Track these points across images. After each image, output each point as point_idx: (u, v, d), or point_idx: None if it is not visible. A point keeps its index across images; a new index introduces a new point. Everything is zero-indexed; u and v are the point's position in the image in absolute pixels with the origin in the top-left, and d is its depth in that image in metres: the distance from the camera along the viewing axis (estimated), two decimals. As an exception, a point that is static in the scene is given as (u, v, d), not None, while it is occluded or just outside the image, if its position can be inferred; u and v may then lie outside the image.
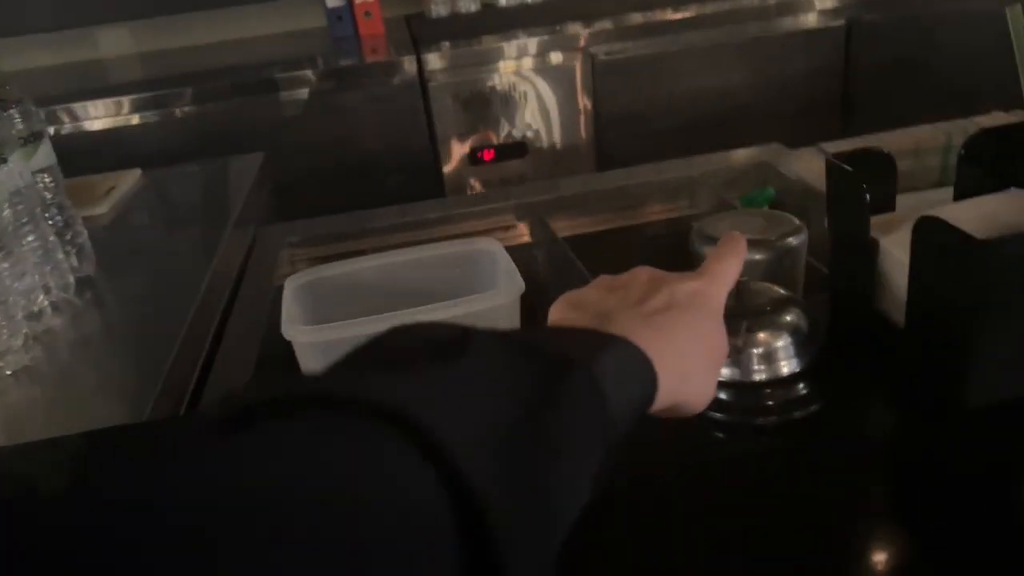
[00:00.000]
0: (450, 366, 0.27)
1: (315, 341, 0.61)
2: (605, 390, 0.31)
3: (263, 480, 0.21)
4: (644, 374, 0.34)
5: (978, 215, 0.55)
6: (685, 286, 0.40)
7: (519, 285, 0.64)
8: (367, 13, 2.05)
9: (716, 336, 0.40)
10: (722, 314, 0.41)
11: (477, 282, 0.70)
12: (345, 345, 0.61)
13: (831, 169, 0.55)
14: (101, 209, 1.10)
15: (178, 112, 1.83)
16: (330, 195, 1.86)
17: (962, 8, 1.93)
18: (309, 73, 1.83)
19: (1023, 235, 0.44)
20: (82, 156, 1.39)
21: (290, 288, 0.66)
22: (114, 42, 2.27)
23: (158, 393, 0.69)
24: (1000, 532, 0.43)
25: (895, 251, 0.52)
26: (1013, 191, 0.58)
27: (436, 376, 0.27)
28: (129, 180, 1.19)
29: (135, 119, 1.83)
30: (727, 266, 0.42)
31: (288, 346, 0.66)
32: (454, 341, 0.29)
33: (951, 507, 0.44)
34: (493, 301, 0.63)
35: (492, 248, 0.71)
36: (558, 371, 0.30)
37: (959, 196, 0.60)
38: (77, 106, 1.82)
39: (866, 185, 0.53)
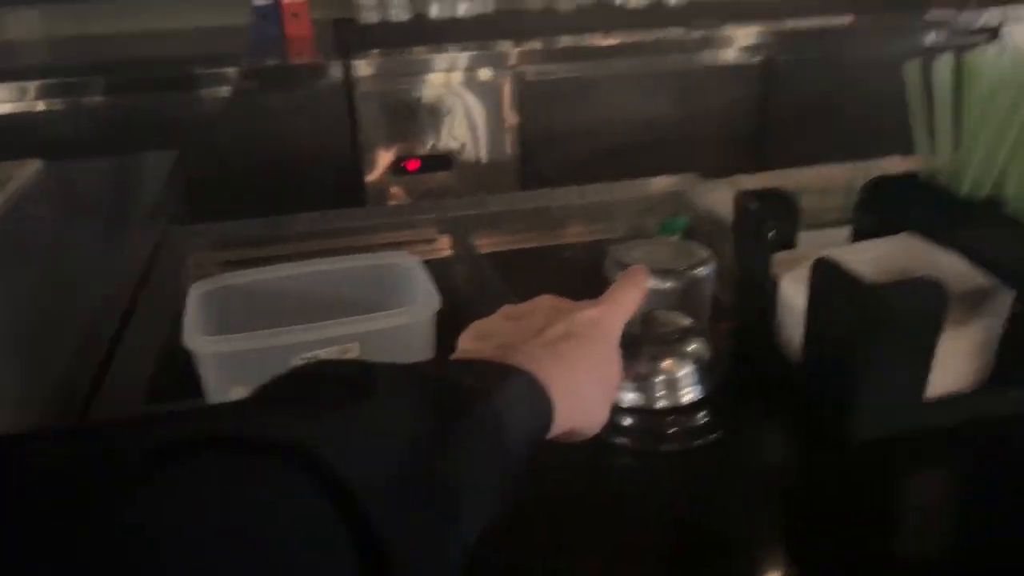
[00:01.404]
0: (354, 405, 0.28)
1: (218, 352, 0.59)
2: (504, 422, 0.31)
3: (168, 527, 0.21)
4: (542, 404, 0.36)
5: (872, 258, 0.58)
6: (584, 315, 0.42)
7: (435, 302, 0.64)
8: (295, 14, 2.01)
9: (611, 364, 0.42)
10: (618, 342, 0.43)
11: (393, 297, 0.69)
12: (250, 357, 0.60)
13: (738, 206, 0.58)
14: (-8, 201, 1.04)
15: (88, 102, 1.76)
16: (246, 198, 1.81)
17: (873, 55, 2.04)
18: (231, 71, 1.78)
19: (910, 281, 0.47)
20: (-21, 142, 1.32)
21: (195, 295, 0.64)
22: (23, 25, 2.16)
23: (47, 400, 0.65)
24: (881, 558, 0.45)
25: (794, 289, 0.54)
26: (905, 236, 0.61)
27: (341, 415, 0.27)
28: (27, 171, 1.13)
29: (40, 106, 1.75)
30: (627, 297, 0.44)
31: (189, 355, 0.64)
32: (359, 379, 0.29)
33: (837, 534, 0.46)
34: (409, 317, 0.63)
35: (409, 263, 0.70)
36: (461, 405, 0.30)
37: (856, 238, 0.63)
38: (-23, 88, 1.72)
39: (770, 223, 0.55)
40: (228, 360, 0.59)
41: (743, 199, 0.57)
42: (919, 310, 0.47)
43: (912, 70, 0.58)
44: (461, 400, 0.31)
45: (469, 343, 0.43)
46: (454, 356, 0.41)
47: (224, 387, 0.61)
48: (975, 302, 0.53)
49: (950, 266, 0.57)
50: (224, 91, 1.79)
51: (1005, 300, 0.51)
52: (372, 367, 0.31)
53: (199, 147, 1.76)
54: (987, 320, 0.51)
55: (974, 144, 0.57)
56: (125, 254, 0.92)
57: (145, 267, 0.97)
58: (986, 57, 0.58)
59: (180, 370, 0.77)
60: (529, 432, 0.35)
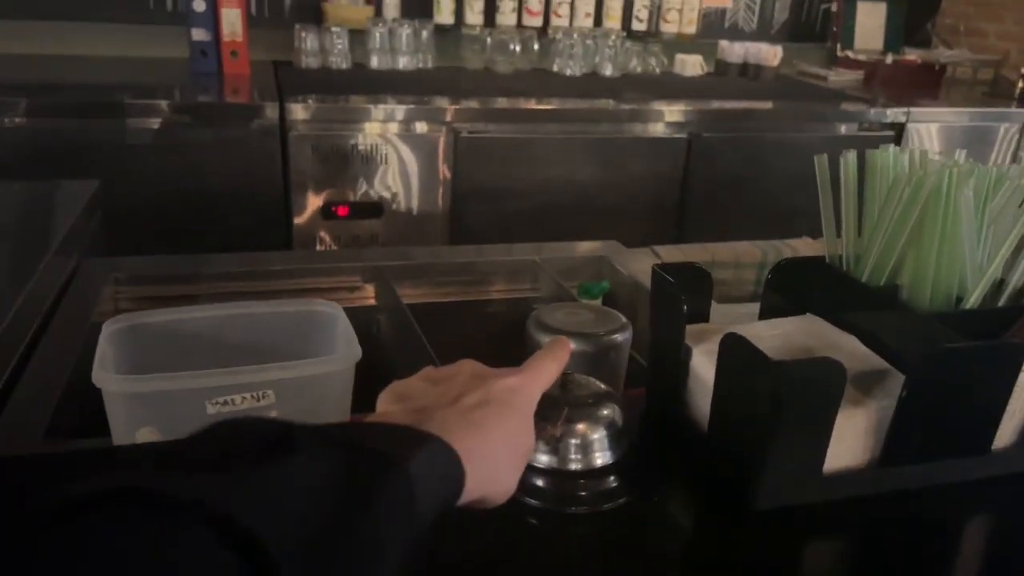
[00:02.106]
0: (272, 464, 0.28)
1: (128, 392, 0.57)
2: (417, 489, 0.32)
3: None
4: (453, 472, 0.36)
5: (777, 334, 0.61)
6: (502, 383, 0.43)
7: (356, 352, 0.64)
8: (234, 52, 2.01)
9: (524, 434, 0.43)
10: (533, 412, 0.44)
11: (313, 344, 0.69)
12: (161, 399, 0.58)
13: (656, 278, 0.60)
14: None
15: (7, 122, 1.70)
16: (171, 233, 1.77)
17: (791, 137, 2.17)
18: (162, 103, 1.76)
19: (812, 360, 0.50)
20: None
21: (107, 332, 0.62)
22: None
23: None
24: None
25: (704, 361, 0.57)
26: (809, 316, 0.65)
27: (258, 474, 0.27)
28: (-64, 190, 1.08)
29: (-43, 123, 1.68)
30: (547, 368, 0.46)
31: (96, 392, 0.62)
32: (279, 438, 0.30)
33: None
34: (328, 367, 0.63)
35: (332, 311, 0.70)
36: (375, 471, 0.31)
37: (764, 315, 0.66)
38: None
39: (684, 297, 0.58)
40: (138, 400, 0.58)
41: (660, 272, 0.60)
42: (819, 388, 0.50)
43: (821, 162, 0.63)
44: (378, 466, 0.31)
45: (387, 405, 0.43)
46: (371, 417, 0.42)
47: (132, 428, 0.59)
48: (870, 383, 0.56)
49: (848, 347, 0.60)
50: (154, 123, 1.76)
51: (896, 382, 0.55)
52: (292, 427, 0.31)
53: (125, 178, 1.73)
54: (880, 400, 0.54)
55: (874, 234, 0.62)
56: (34, 281, 0.88)
57: (55, 298, 0.94)
58: (886, 155, 0.63)
59: (86, 407, 0.74)
60: (439, 499, 0.35)
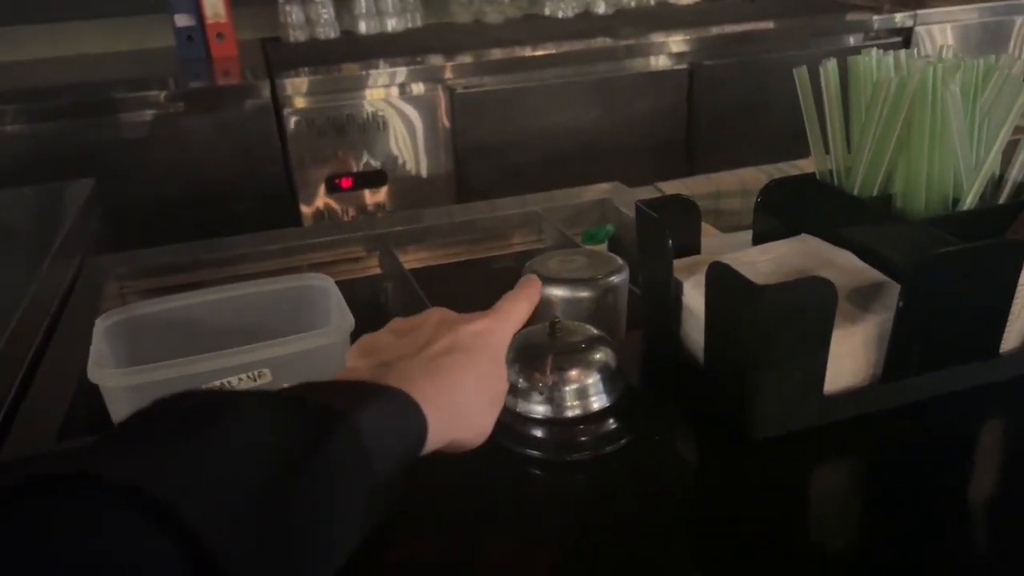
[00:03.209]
0: (202, 436, 0.28)
1: (124, 385, 0.58)
2: (368, 441, 0.32)
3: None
4: (413, 420, 0.36)
5: (771, 258, 0.60)
6: (471, 327, 0.42)
7: (349, 322, 0.64)
8: (220, 35, 1.99)
9: (495, 378, 0.43)
10: (504, 354, 0.43)
11: (307, 319, 0.68)
12: (158, 389, 0.58)
13: (640, 215, 0.59)
14: (-100, 236, 1.01)
15: (6, 129, 1.71)
16: (176, 224, 1.78)
17: (796, 56, 2.10)
18: (155, 94, 1.75)
19: (797, 282, 0.48)
20: None
21: (101, 327, 0.63)
22: (-67, 52, 2.09)
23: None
24: (788, 550, 0.46)
25: (695, 294, 0.56)
26: (803, 236, 0.63)
27: (186, 450, 0.27)
28: (-63, 204, 1.10)
29: (-48, 137, 1.69)
30: (516, 308, 0.45)
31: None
32: (213, 409, 0.29)
33: (744, 529, 0.48)
34: (322, 340, 0.63)
35: (324, 284, 0.70)
36: (318, 429, 0.30)
37: (757, 240, 0.65)
38: None
39: (670, 231, 0.56)
40: (136, 392, 0.58)
41: (643, 208, 0.58)
42: (808, 309, 0.48)
43: (801, 75, 0.60)
44: (322, 424, 0.31)
45: (354, 360, 0.43)
46: (336, 374, 0.41)
47: (133, 420, 0.59)
48: (868, 298, 0.55)
49: (844, 263, 0.59)
50: (149, 115, 1.76)
51: (894, 294, 0.53)
52: (227, 396, 0.31)
53: (125, 173, 1.73)
54: (879, 315, 0.53)
55: (862, 143, 0.59)
56: (39, 282, 0.89)
57: (62, 298, 0.95)
58: (868, 60, 0.60)
59: (98, 405, 0.75)
60: (399, 449, 0.35)
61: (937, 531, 0.47)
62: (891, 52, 0.60)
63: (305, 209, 1.89)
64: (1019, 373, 0.57)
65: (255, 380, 0.60)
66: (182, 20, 1.94)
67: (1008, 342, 0.55)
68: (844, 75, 0.61)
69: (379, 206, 1.93)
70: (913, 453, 0.53)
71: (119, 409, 0.59)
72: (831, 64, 0.59)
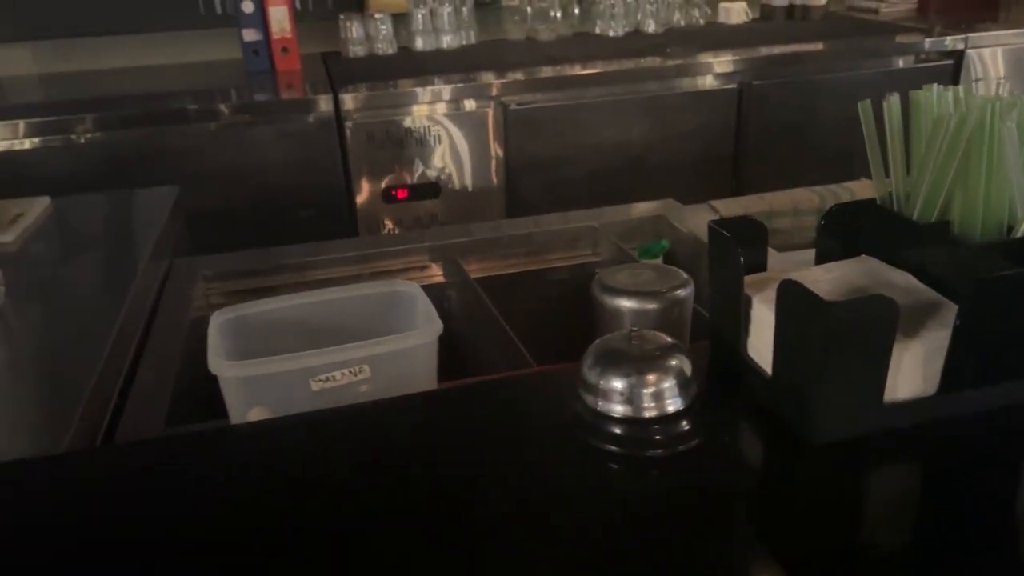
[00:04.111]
0: None
1: (240, 376, 0.64)
2: None
3: None
4: None
5: (833, 277, 0.64)
6: None
7: (437, 326, 0.69)
8: (284, 49, 2.08)
9: None
10: None
11: (396, 322, 0.74)
12: (269, 380, 0.65)
13: (712, 234, 0.64)
14: (7, 237, 1.09)
15: (81, 138, 1.81)
16: (239, 228, 1.86)
17: (845, 77, 2.13)
18: (222, 106, 1.84)
19: (864, 299, 0.53)
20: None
21: (215, 323, 0.69)
22: (15, 62, 2.21)
23: (74, 428, 0.70)
24: (848, 549, 0.51)
25: (764, 308, 0.60)
26: (863, 257, 0.68)
27: None
28: (37, 208, 1.18)
29: (33, 143, 1.79)
30: None
31: (203, 380, 0.69)
32: None
33: (805, 528, 0.52)
34: (415, 340, 0.68)
35: (411, 290, 0.76)
36: None
37: (819, 260, 0.69)
38: (-27, 127, 1.77)
39: (741, 249, 0.61)
40: (250, 383, 0.64)
41: (716, 228, 0.63)
42: (872, 324, 0.53)
43: (865, 107, 0.65)
44: None
45: None
46: None
47: (245, 408, 0.66)
48: (925, 315, 0.59)
49: (902, 283, 0.63)
50: (216, 125, 1.85)
51: (950, 313, 0.58)
52: None
53: (192, 180, 1.81)
54: (936, 331, 0.57)
55: (922, 172, 0.64)
56: (137, 285, 0.97)
57: (155, 298, 1.02)
58: (929, 95, 0.64)
59: (197, 394, 0.82)
60: None
61: (989, 538, 0.51)
62: (951, 88, 0.64)
63: (362, 218, 1.97)
64: (1069, 390, 0.61)
65: (356, 375, 0.66)
66: (250, 35, 2.03)
67: (1059, 360, 0.59)
68: (905, 107, 0.65)
69: (432, 217, 2.00)
70: (967, 461, 0.57)
71: (234, 397, 0.65)
72: (894, 99, 0.64)
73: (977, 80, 2.29)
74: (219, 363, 0.63)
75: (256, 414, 0.66)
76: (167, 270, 1.10)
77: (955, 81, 2.26)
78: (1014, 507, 0.55)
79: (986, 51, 2.26)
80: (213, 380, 0.65)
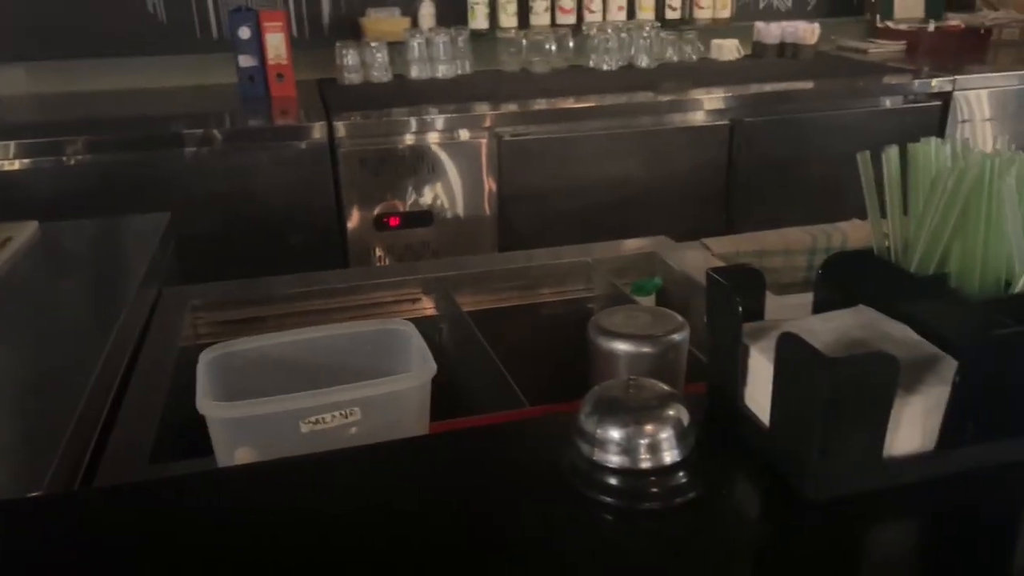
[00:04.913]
0: None
1: (228, 417, 0.63)
2: None
3: None
4: None
5: (831, 328, 0.64)
6: None
7: (431, 368, 0.68)
8: (279, 75, 2.08)
9: None
10: None
11: (389, 362, 0.73)
12: (259, 421, 0.63)
13: (711, 282, 0.63)
14: (-6, 262, 1.07)
15: (71, 160, 1.80)
16: (231, 254, 1.85)
17: (834, 116, 2.15)
18: (215, 131, 1.84)
19: (866, 355, 0.53)
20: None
21: (205, 361, 0.68)
22: (8, 82, 2.20)
23: (56, 463, 0.68)
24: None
25: (762, 359, 0.60)
26: (861, 308, 0.67)
27: None
28: (25, 232, 1.17)
29: (24, 164, 1.78)
30: None
31: (190, 412, 0.67)
32: None
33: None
34: (408, 383, 0.67)
35: (405, 328, 0.75)
36: None
37: (817, 307, 0.69)
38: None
39: (739, 298, 0.61)
40: (237, 424, 0.63)
41: (714, 276, 0.63)
42: (873, 381, 0.53)
43: (864, 159, 0.65)
44: None
45: None
46: None
47: (231, 449, 0.64)
48: (923, 370, 0.59)
49: (900, 336, 0.63)
50: (209, 150, 1.84)
51: (949, 367, 0.57)
52: None
53: (182, 204, 1.81)
54: (934, 387, 0.57)
55: (920, 225, 0.64)
56: (126, 313, 0.95)
57: (142, 328, 1.01)
58: (927, 148, 0.64)
59: (183, 429, 0.80)
60: None
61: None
62: (948, 141, 0.64)
63: (353, 245, 1.96)
64: (1067, 447, 0.60)
65: (347, 417, 0.64)
66: (246, 60, 2.03)
67: (1057, 418, 0.59)
68: (904, 158, 0.65)
69: (424, 245, 2.00)
70: (964, 519, 0.57)
71: (221, 438, 0.64)
72: (893, 151, 0.64)
73: (964, 121, 2.32)
74: (207, 404, 0.62)
75: (243, 455, 0.65)
76: (156, 299, 1.08)
77: (942, 121, 2.29)
78: (1012, 565, 0.54)
79: (971, 93, 2.29)
80: (200, 414, 0.64)
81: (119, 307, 0.95)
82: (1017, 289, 0.61)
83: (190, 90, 2.28)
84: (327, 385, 0.65)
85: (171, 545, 0.55)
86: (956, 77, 2.26)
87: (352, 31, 2.34)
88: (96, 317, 0.97)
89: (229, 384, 0.70)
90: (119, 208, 1.31)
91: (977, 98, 2.30)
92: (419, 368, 0.68)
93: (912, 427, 0.57)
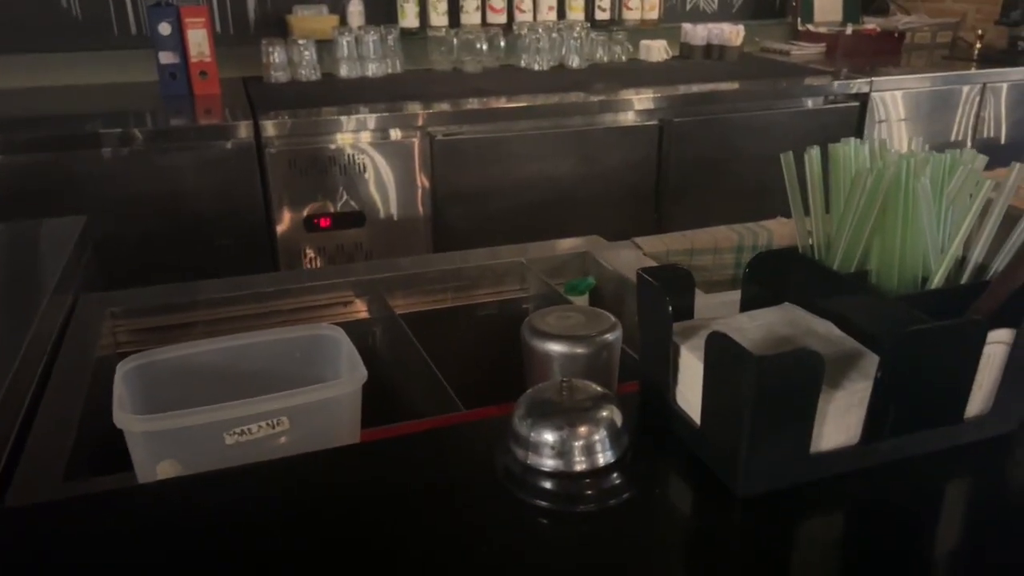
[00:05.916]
0: None
1: (148, 431, 0.60)
2: None
3: None
4: None
5: (758, 326, 0.65)
6: None
7: (362, 374, 0.67)
8: (203, 73, 2.02)
9: None
10: None
11: (319, 369, 0.72)
12: (182, 434, 0.61)
13: (641, 282, 0.64)
14: None
15: (-16, 160, 1.71)
16: (154, 258, 1.79)
17: (759, 116, 2.21)
18: (136, 130, 1.77)
19: (791, 352, 0.54)
20: None
21: (122, 372, 0.65)
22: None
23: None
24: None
25: (692, 358, 0.60)
26: (786, 305, 0.69)
27: None
28: (-72, 238, 1.10)
29: (-68, 165, 1.68)
30: None
31: (107, 425, 0.64)
32: None
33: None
34: (338, 390, 0.66)
35: (335, 334, 0.73)
36: None
37: (744, 305, 0.70)
38: None
39: (669, 298, 0.61)
40: (158, 437, 0.61)
41: (644, 276, 0.63)
42: (799, 377, 0.54)
43: (787, 160, 0.66)
44: None
45: None
46: None
47: (153, 462, 0.62)
48: (846, 366, 0.60)
49: (824, 332, 0.64)
50: (129, 151, 1.77)
51: (871, 363, 0.59)
52: None
53: (103, 207, 1.74)
54: (857, 382, 0.58)
55: (842, 224, 0.65)
56: (38, 322, 0.90)
57: (57, 337, 0.96)
58: (848, 149, 0.66)
59: (101, 442, 0.77)
60: None
61: (912, 582, 0.51)
62: (867, 142, 0.66)
63: (283, 247, 1.91)
64: (981, 437, 0.63)
65: (274, 427, 0.63)
66: (167, 57, 1.96)
67: (972, 408, 0.61)
68: (825, 158, 0.67)
69: (356, 246, 1.96)
70: (888, 508, 0.58)
71: (141, 452, 0.61)
72: (814, 152, 0.66)
73: (880, 121, 2.41)
74: (124, 417, 0.59)
75: (165, 469, 0.62)
76: (71, 306, 1.04)
77: (860, 121, 2.37)
78: (932, 550, 0.56)
79: (887, 94, 2.38)
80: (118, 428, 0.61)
81: (30, 316, 0.90)
82: (934, 284, 0.63)
83: (108, 88, 2.19)
84: (254, 394, 0.63)
85: (87, 569, 0.53)
86: (873, 79, 2.34)
87: (278, 28, 2.29)
88: (7, 326, 0.92)
89: (150, 395, 0.67)
90: (32, 211, 1.24)
91: (893, 99, 2.39)
92: (349, 375, 0.67)
93: (837, 421, 0.58)
